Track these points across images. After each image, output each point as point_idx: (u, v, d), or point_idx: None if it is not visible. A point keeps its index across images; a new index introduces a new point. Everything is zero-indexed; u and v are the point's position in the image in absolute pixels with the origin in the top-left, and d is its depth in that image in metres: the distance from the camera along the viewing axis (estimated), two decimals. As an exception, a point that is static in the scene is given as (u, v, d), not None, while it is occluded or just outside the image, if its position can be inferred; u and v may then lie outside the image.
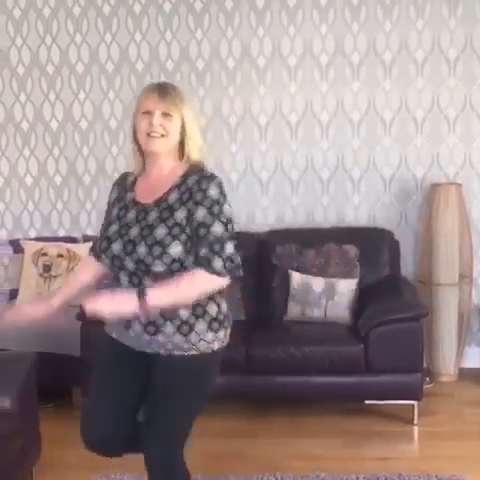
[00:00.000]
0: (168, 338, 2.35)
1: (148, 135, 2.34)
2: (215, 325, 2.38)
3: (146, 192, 2.40)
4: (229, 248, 2.30)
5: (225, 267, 2.28)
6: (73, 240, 4.75)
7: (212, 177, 2.33)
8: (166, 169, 2.40)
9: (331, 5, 4.54)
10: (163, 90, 2.37)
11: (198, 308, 2.35)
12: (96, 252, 2.56)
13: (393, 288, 4.24)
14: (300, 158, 4.70)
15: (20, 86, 4.80)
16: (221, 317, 2.41)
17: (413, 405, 3.83)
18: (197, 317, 2.35)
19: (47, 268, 4.53)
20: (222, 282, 2.32)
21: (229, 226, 2.31)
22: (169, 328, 2.34)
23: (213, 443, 3.67)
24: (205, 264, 2.27)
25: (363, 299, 4.16)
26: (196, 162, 2.39)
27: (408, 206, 4.67)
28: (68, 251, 4.58)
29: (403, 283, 4.34)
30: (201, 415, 2.48)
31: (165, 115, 2.33)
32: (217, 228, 2.28)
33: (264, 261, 4.43)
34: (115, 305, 2.25)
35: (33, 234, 4.91)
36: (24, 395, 2.99)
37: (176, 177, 2.37)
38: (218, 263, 2.27)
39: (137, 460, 3.51)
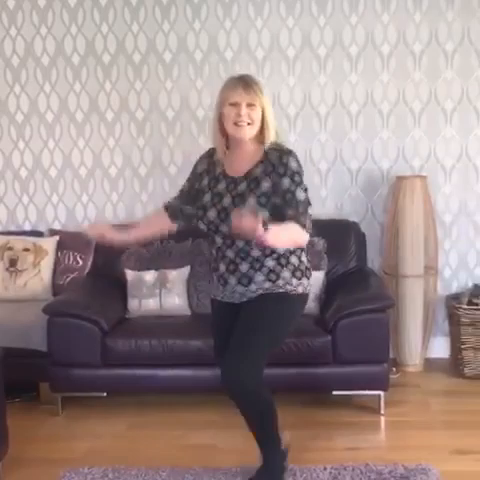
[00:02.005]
0: (259, 285, 2.79)
1: (235, 124, 2.73)
2: (298, 273, 2.83)
3: (234, 167, 2.81)
4: (309, 211, 2.73)
5: (308, 226, 2.71)
6: (39, 234, 4.71)
7: (290, 152, 2.76)
8: (249, 150, 2.80)
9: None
10: (246, 83, 2.73)
11: (282, 259, 2.79)
12: (171, 212, 3.01)
13: (360, 280, 4.27)
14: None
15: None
16: (303, 267, 2.85)
17: (380, 395, 3.87)
18: (282, 266, 2.78)
19: (13, 262, 4.48)
20: (307, 238, 2.74)
21: (307, 193, 2.75)
22: (260, 277, 2.78)
23: (184, 435, 3.68)
24: (296, 222, 2.66)
25: (331, 291, 4.19)
26: (273, 142, 2.79)
27: (374, 198, 4.70)
28: (34, 245, 4.54)
29: (370, 275, 4.38)
30: (276, 349, 3.03)
31: (250, 105, 2.71)
32: (300, 194, 2.71)
33: (232, 254, 4.43)
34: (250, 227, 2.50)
35: (-2, 228, 4.87)
36: (-10, 390, 2.96)
37: (259, 154, 2.78)
38: (305, 221, 2.69)
39: (103, 453, 3.53)
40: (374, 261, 4.68)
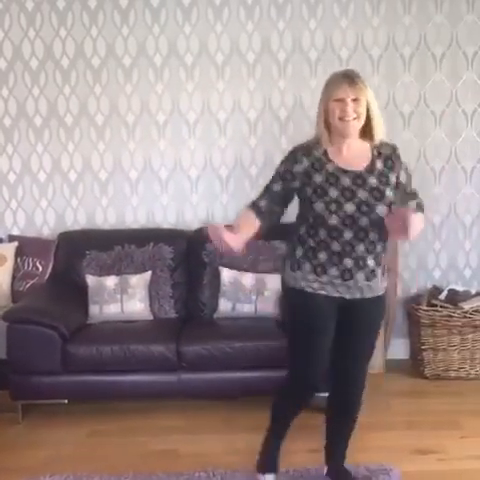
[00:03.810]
0: (376, 283, 2.87)
1: (341, 119, 2.74)
2: (384, 271, 2.93)
3: (348, 162, 2.82)
4: None
5: None
6: (-3, 240, 4.66)
7: (397, 147, 2.91)
8: (357, 144, 2.83)
9: (257, 2, 4.59)
10: (351, 79, 2.75)
11: (379, 258, 2.87)
12: (259, 212, 2.89)
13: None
14: (229, 155, 4.72)
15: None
16: (385, 265, 2.93)
17: (342, 397, 3.89)
18: (378, 265, 2.87)
19: (-29, 269, 4.43)
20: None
21: None
22: (379, 272, 2.86)
23: (146, 441, 3.67)
24: (420, 211, 2.84)
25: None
26: (379, 135, 2.84)
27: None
28: (-7, 251, 4.48)
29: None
30: None
31: (355, 100, 2.73)
32: (412, 184, 2.91)
33: (194, 258, 4.43)
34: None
35: (-44, 234, 4.79)
36: None
37: (368, 149, 2.85)
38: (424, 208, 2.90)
39: (65, 461, 3.50)
40: (335, 264, 4.71)
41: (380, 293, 2.92)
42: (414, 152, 4.68)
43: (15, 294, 4.43)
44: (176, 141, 4.70)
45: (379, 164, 2.85)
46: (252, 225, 2.90)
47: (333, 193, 2.80)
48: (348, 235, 2.81)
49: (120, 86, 4.65)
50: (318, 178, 2.82)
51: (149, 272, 4.34)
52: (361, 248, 2.82)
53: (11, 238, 4.65)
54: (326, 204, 2.79)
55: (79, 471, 3.32)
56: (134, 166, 4.73)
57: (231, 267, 4.32)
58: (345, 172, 2.82)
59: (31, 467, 3.39)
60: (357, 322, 2.92)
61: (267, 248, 4.36)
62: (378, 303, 2.93)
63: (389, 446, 3.54)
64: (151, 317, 4.28)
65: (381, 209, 2.79)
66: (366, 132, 2.83)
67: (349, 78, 2.76)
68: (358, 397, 3.07)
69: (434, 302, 4.43)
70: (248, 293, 4.21)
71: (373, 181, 2.81)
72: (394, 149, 2.89)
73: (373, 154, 2.85)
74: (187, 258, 4.47)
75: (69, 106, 4.68)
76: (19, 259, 4.50)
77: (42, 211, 4.78)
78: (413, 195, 2.90)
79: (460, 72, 4.62)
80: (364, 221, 2.79)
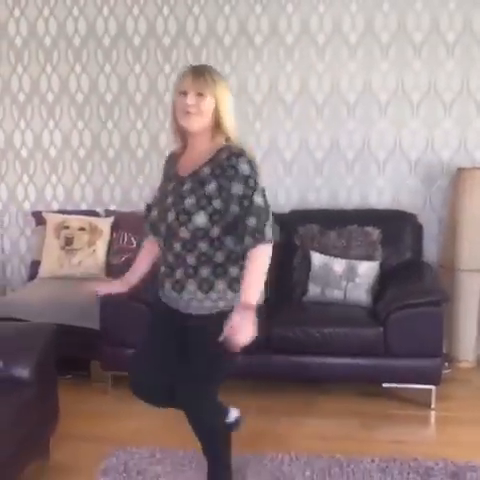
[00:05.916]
0: (191, 295, 2.52)
1: (183, 113, 2.50)
2: (236, 285, 2.51)
3: (186, 167, 2.57)
4: (270, 216, 2.48)
5: (269, 233, 2.46)
6: (95, 214, 4.76)
7: (240, 154, 2.46)
8: (203, 147, 2.54)
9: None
10: (199, 72, 2.52)
11: (219, 269, 2.50)
12: (151, 229, 2.70)
13: (414, 272, 4.21)
14: (325, 138, 4.66)
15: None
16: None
17: (431, 390, 3.81)
18: (217, 277, 2.51)
19: (69, 241, 4.55)
20: (269, 254, 2.47)
21: (266, 197, 2.49)
22: (192, 286, 2.51)
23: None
24: (258, 233, 2.43)
25: (384, 282, 4.14)
26: (231, 140, 2.53)
27: (433, 190, 4.61)
28: (90, 225, 4.59)
29: (425, 267, 4.31)
30: (231, 370, 2.72)
31: (199, 95, 2.48)
32: (258, 199, 2.45)
33: (286, 241, 4.41)
34: (249, 331, 2.36)
35: (55, 207, 4.93)
36: (43, 366, 3.01)
37: (211, 153, 2.51)
38: (269, 231, 2.45)
39: (151, 433, 3.56)
40: (431, 254, 4.60)
41: (205, 312, 2.54)
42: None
43: (110, 267, 4.54)
44: (273, 122, 4.69)
45: (206, 169, 2.49)
46: (152, 248, 2.77)
47: (155, 199, 2.66)
48: (160, 243, 2.58)
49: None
50: (162, 185, 2.66)
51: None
52: (170, 257, 2.54)
53: (108, 213, 4.76)
54: (158, 213, 2.58)
55: (165, 444, 3.37)
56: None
57: (322, 252, 4.28)
58: (176, 177, 2.58)
59: (118, 437, 3.47)
60: (187, 339, 2.60)
61: (360, 234, 4.29)
62: (206, 322, 2.52)
63: (478, 442, 3.44)
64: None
65: (171, 218, 2.48)
66: (218, 133, 2.53)
67: (197, 72, 2.52)
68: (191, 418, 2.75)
69: None
70: (338, 279, 4.16)
71: (186, 187, 2.50)
72: (230, 156, 2.46)
73: (209, 158, 2.51)
74: (278, 241, 4.44)
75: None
76: (115, 233, 4.60)
77: (139, 187, 4.87)
78: (253, 211, 2.44)
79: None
80: (162, 229, 2.53)
